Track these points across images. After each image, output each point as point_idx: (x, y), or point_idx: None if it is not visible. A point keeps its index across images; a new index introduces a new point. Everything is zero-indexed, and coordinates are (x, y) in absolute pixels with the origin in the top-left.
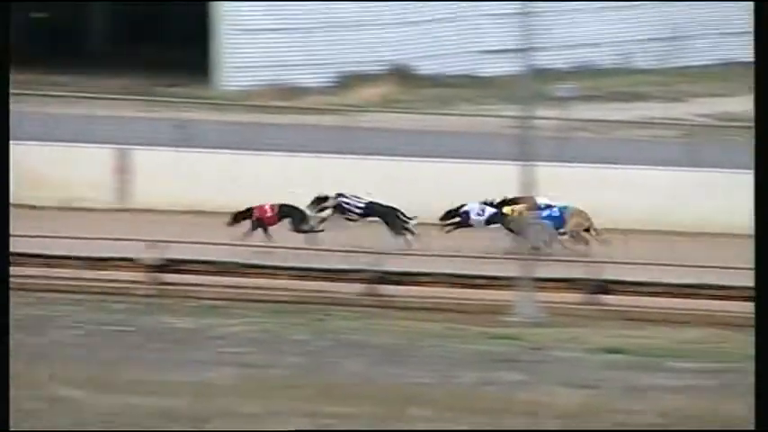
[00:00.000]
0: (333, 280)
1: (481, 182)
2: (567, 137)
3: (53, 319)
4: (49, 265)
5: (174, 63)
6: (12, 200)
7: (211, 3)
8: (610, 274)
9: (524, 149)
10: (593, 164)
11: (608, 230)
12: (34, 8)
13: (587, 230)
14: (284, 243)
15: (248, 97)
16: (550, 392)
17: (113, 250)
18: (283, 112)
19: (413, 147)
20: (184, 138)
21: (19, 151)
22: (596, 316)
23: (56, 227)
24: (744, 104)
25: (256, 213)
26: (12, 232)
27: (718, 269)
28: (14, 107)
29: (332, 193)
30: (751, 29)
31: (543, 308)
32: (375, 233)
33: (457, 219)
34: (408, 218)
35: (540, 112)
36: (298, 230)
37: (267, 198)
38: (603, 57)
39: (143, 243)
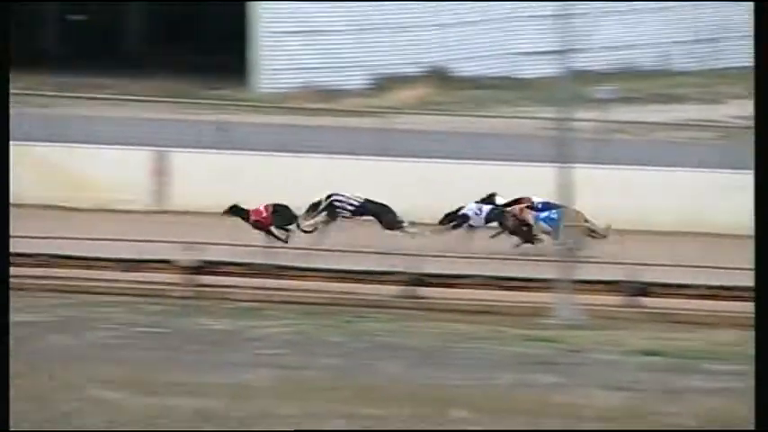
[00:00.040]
0: (369, 282)
1: (518, 183)
2: (605, 139)
3: (91, 320)
4: (87, 267)
5: (210, 64)
6: (50, 202)
7: (248, 3)
8: (647, 276)
9: (562, 151)
10: (630, 166)
11: (644, 233)
12: (70, 11)
13: (593, 232)
14: (315, 245)
15: (286, 99)
16: (587, 395)
17: (150, 252)
18: (321, 115)
19: (449, 149)
20: (224, 140)
21: (58, 154)
22: (634, 318)
23: (93, 229)
24: None
25: (253, 216)
26: (49, 234)
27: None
28: (60, 111)
29: (341, 196)
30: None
31: (581, 310)
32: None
33: (455, 222)
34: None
35: (579, 113)
36: (281, 228)
37: (306, 200)
38: (643, 58)
39: (180, 245)
